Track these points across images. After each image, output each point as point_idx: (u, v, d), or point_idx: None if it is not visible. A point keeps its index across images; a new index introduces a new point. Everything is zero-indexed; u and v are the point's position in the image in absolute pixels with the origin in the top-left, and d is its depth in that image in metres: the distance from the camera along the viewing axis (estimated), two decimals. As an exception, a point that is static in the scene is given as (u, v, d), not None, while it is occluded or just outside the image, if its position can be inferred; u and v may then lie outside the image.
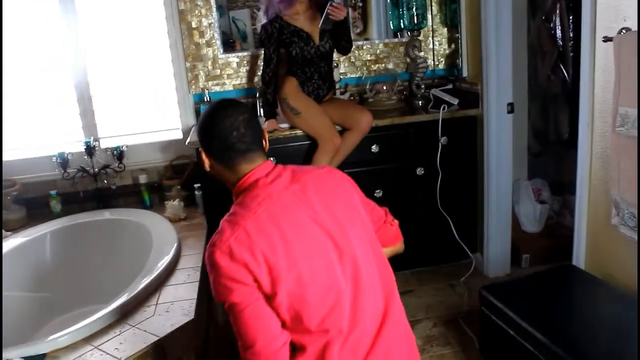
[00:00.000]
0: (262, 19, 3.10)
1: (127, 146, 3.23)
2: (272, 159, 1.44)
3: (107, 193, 3.26)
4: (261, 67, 3.06)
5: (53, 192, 3.16)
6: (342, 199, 1.46)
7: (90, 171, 3.19)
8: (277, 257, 1.31)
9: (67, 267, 2.85)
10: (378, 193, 2.99)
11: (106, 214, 3.09)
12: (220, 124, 1.43)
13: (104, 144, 3.29)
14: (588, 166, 2.13)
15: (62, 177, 3.17)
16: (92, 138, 3.20)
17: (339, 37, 2.96)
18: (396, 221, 1.72)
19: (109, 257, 2.85)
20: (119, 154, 3.19)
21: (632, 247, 1.90)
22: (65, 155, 3.15)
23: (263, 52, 2.97)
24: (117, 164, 3.21)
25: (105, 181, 3.24)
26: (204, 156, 1.52)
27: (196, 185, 3.14)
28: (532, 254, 3.17)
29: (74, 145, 3.22)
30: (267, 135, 1.56)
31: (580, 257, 2.26)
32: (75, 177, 3.20)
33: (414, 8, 3.18)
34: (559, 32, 3.07)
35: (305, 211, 1.38)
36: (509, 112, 2.95)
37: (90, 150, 3.15)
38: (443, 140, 2.99)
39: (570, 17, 3.01)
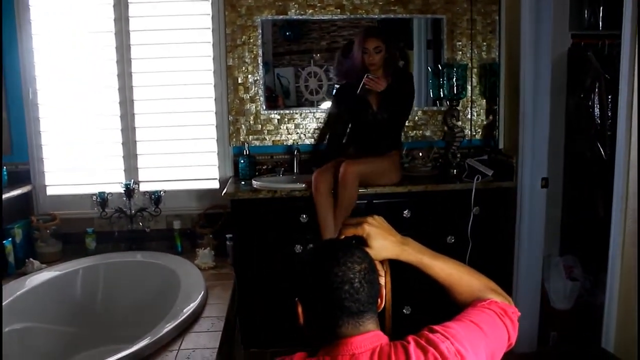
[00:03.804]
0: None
1: (164, 191, 3.32)
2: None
3: (141, 235, 3.33)
4: (301, 126, 3.22)
5: (90, 230, 3.26)
6: None
7: (127, 212, 3.28)
8: None
9: (95, 304, 2.91)
10: (407, 258, 2.98)
11: (138, 256, 3.16)
12: (330, 273, 1.11)
13: (143, 187, 3.39)
14: (620, 247, 2.11)
15: (99, 216, 3.27)
16: (132, 181, 3.30)
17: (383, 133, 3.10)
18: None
19: (136, 298, 2.90)
20: (156, 199, 3.28)
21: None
22: (105, 195, 3.25)
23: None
24: (153, 208, 3.29)
25: (141, 224, 3.32)
26: (300, 309, 1.18)
27: (228, 236, 3.20)
28: (561, 332, 3.09)
29: (114, 186, 3.32)
30: (384, 292, 1.25)
31: (609, 340, 2.20)
32: (112, 217, 3.29)
33: (454, 79, 3.26)
34: (597, 110, 3.09)
35: None
36: (542, 187, 2.95)
37: (129, 192, 3.26)
38: (475, 210, 2.99)
39: (609, 96, 3.03)
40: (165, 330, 2.19)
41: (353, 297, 1.10)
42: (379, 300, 1.20)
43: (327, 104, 3.45)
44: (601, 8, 3.12)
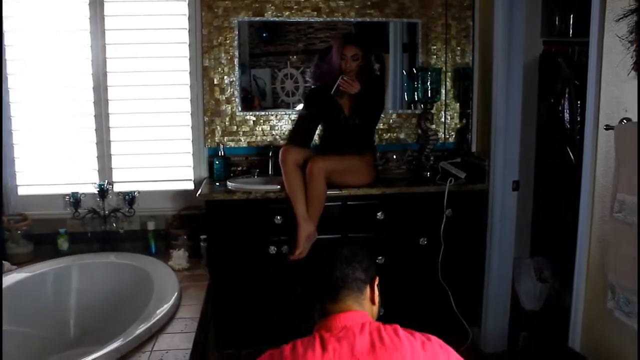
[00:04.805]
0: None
1: (138, 192, 3.31)
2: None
3: (115, 236, 3.31)
4: (277, 127, 3.27)
5: (62, 230, 3.22)
6: None
7: (100, 213, 3.26)
8: None
9: (67, 306, 2.88)
10: (380, 260, 3.01)
11: (111, 257, 3.14)
12: (324, 256, 1.49)
13: (117, 188, 3.36)
14: (587, 249, 2.16)
15: (72, 217, 3.24)
16: (106, 181, 3.28)
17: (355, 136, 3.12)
18: None
19: (109, 300, 2.88)
20: (130, 199, 3.26)
21: (626, 332, 1.91)
22: (79, 195, 3.23)
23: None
24: (127, 209, 3.28)
25: (114, 224, 3.30)
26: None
27: (202, 237, 3.19)
28: (530, 333, 3.15)
29: (87, 186, 3.30)
30: (377, 292, 1.50)
31: (576, 339, 2.25)
32: (85, 218, 3.26)
33: (429, 82, 3.29)
34: (567, 115, 3.16)
35: None
36: (514, 190, 3.00)
37: (103, 193, 3.24)
38: (448, 212, 3.03)
39: (579, 102, 3.10)
40: (138, 331, 2.18)
41: (325, 272, 1.42)
42: (371, 292, 1.46)
43: (301, 106, 3.46)
44: (571, 15, 3.19)
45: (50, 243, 3.23)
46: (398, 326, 1.34)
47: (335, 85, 2.96)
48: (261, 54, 3.50)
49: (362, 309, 1.41)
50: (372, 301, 1.47)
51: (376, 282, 1.49)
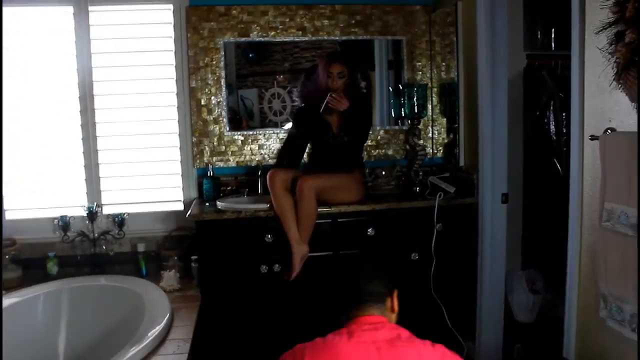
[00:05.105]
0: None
1: (128, 214, 3.29)
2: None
3: (105, 259, 3.28)
4: (265, 147, 3.26)
5: (51, 254, 3.20)
6: None
7: (90, 236, 3.24)
8: None
9: (57, 331, 2.85)
10: (372, 274, 3.00)
11: (102, 280, 3.11)
12: (349, 274, 1.74)
13: (106, 210, 3.35)
14: (577, 259, 2.17)
15: (61, 240, 3.21)
16: (95, 204, 3.26)
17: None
18: None
19: (100, 323, 2.84)
20: (120, 221, 3.24)
21: (620, 340, 1.91)
22: (67, 218, 3.21)
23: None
24: (117, 231, 3.26)
25: (104, 247, 3.28)
26: None
27: (193, 257, 3.18)
28: (525, 344, 3.14)
29: (76, 209, 3.28)
30: (396, 302, 1.71)
31: (570, 350, 2.25)
32: (75, 241, 3.24)
33: (415, 98, 3.33)
34: (552, 127, 3.19)
35: None
36: (503, 202, 3.02)
37: (92, 215, 3.22)
38: (438, 226, 3.04)
39: (564, 114, 3.13)
40: (130, 354, 2.16)
41: (351, 289, 1.68)
42: (389, 302, 1.68)
43: (290, 125, 3.47)
44: (553, 29, 3.24)
45: (39, 267, 3.20)
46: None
47: (324, 103, 2.98)
48: (248, 74, 3.52)
49: (383, 315, 1.64)
50: (392, 310, 1.70)
51: (395, 294, 1.71)
